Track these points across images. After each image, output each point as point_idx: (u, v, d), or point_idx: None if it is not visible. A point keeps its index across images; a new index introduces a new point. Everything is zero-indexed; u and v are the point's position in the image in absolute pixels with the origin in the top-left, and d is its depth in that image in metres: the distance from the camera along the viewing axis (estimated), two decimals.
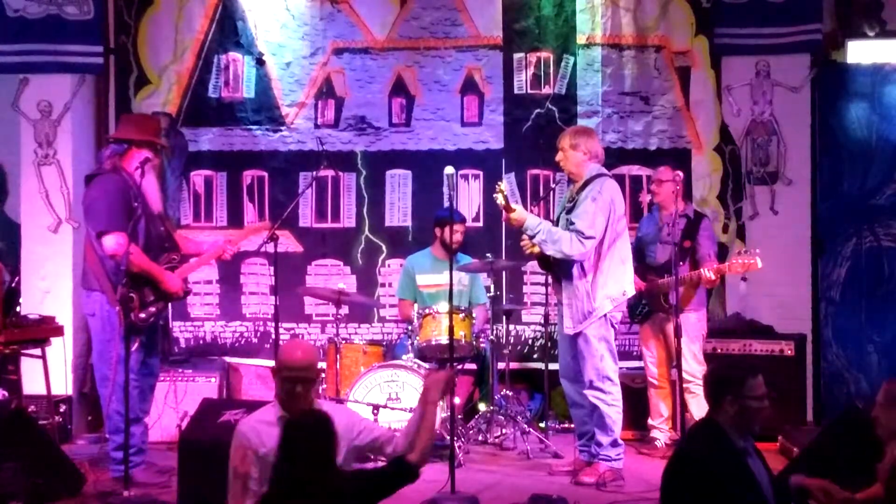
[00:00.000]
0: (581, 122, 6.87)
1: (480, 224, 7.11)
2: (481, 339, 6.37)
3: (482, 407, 6.41)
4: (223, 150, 7.18)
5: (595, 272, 5.32)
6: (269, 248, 6.10)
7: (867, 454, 3.76)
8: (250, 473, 3.66)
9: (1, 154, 7.26)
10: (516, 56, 7.08)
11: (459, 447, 5.70)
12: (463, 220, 6.66)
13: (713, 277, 5.97)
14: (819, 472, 3.76)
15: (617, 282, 5.35)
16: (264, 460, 3.64)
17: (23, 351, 6.10)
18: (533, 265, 6.57)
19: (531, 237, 5.34)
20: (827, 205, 6.95)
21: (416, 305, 6.43)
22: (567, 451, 5.80)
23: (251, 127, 7.16)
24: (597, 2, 6.98)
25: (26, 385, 6.28)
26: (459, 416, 6.17)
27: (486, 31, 7.07)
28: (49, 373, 6.15)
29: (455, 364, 5.62)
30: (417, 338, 6.14)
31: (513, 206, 5.32)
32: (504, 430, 6.24)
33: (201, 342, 7.16)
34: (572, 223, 5.27)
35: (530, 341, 7.08)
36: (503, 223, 6.81)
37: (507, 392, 6.31)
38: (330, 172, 7.01)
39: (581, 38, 7.01)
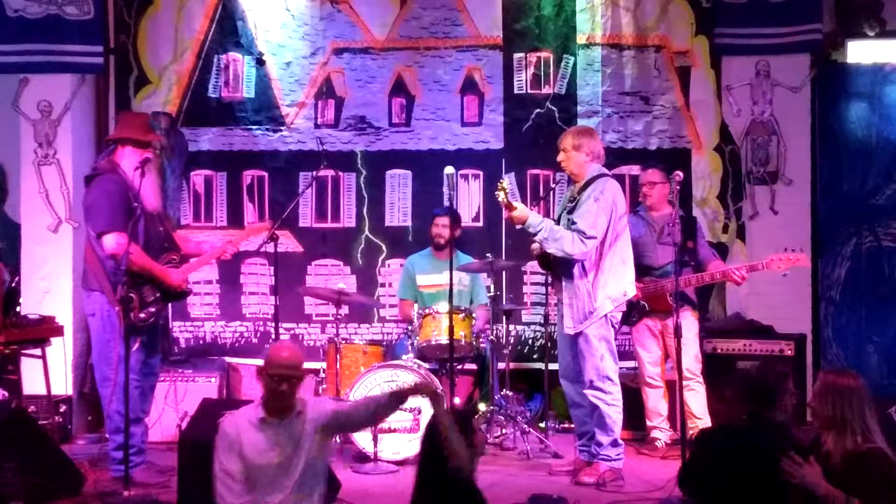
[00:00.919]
0: (581, 122, 6.87)
1: (480, 224, 7.11)
2: (481, 339, 6.37)
3: (482, 407, 6.41)
4: (223, 150, 7.19)
5: (596, 272, 5.32)
6: (269, 248, 6.11)
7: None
8: (235, 470, 3.68)
9: (1, 154, 7.26)
10: (516, 56, 7.08)
11: None
12: (448, 214, 6.59)
13: (745, 275, 5.98)
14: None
15: (618, 282, 5.35)
16: (246, 458, 3.70)
17: (23, 351, 6.11)
18: (533, 265, 6.57)
19: (532, 235, 5.34)
20: (827, 205, 6.95)
21: (416, 305, 6.43)
22: (567, 451, 5.81)
23: (251, 127, 7.16)
24: (597, 2, 6.98)
25: (26, 385, 6.28)
26: None
27: (486, 31, 7.07)
28: (49, 373, 6.16)
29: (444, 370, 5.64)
30: (417, 338, 6.14)
31: (514, 203, 5.32)
32: (504, 430, 6.24)
33: (201, 342, 7.16)
34: (574, 223, 5.27)
35: (530, 341, 7.08)
36: (503, 223, 6.83)
37: (507, 392, 6.31)
38: (330, 172, 7.02)
39: (581, 38, 7.02)
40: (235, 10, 7.11)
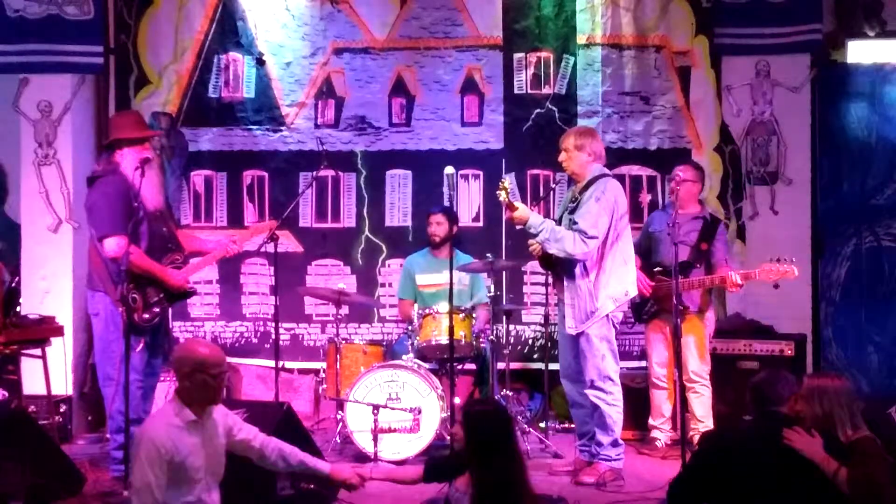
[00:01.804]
0: (581, 122, 6.86)
1: (480, 224, 7.11)
2: (481, 339, 6.37)
3: None
4: (223, 150, 7.18)
5: (598, 272, 5.32)
6: (270, 248, 6.11)
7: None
8: (154, 484, 3.62)
9: (1, 154, 7.27)
10: (516, 56, 7.08)
11: None
12: (442, 211, 6.60)
13: (740, 282, 5.90)
14: None
15: (620, 282, 5.35)
16: (179, 466, 3.67)
17: (23, 351, 6.10)
18: (533, 265, 6.57)
19: (534, 235, 5.33)
20: (827, 205, 6.95)
21: (416, 305, 6.43)
22: (567, 451, 5.81)
23: (251, 127, 7.16)
24: (597, 2, 6.98)
25: (26, 385, 6.28)
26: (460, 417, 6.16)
27: (486, 31, 7.07)
28: (49, 373, 6.15)
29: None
30: (417, 338, 6.14)
31: (515, 203, 5.31)
32: None
33: None
34: (575, 223, 5.27)
35: (530, 341, 7.08)
36: (503, 223, 6.82)
37: (507, 392, 6.31)
38: (330, 172, 7.01)
39: (581, 38, 7.00)
40: (235, 10, 7.11)
